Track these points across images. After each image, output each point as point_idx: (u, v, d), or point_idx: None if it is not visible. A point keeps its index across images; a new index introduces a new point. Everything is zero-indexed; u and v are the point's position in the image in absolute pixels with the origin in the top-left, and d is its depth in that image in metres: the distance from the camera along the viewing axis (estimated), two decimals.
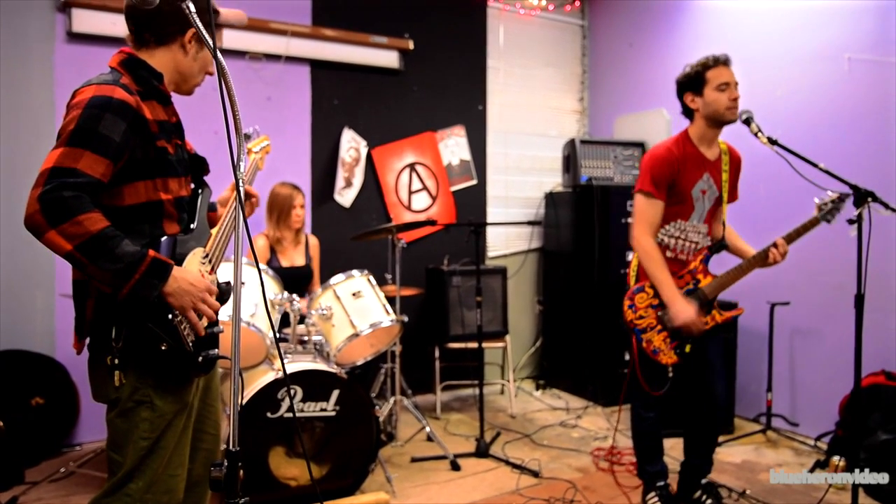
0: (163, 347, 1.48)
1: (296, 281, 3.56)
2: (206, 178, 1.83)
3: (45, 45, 3.49)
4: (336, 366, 2.92)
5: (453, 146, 4.83)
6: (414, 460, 3.41)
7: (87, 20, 3.53)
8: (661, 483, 2.81)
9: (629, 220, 4.41)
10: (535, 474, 3.22)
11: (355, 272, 3.16)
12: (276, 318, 2.96)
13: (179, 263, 1.54)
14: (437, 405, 4.29)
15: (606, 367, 4.42)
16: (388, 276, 4.06)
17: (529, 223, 5.05)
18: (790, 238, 2.53)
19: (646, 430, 2.80)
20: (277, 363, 2.84)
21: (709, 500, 2.79)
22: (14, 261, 3.40)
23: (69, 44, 3.54)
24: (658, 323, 2.63)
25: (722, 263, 2.69)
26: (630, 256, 4.38)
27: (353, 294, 3.07)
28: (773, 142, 2.48)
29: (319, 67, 4.26)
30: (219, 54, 1.30)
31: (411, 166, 4.64)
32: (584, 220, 4.54)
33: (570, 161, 4.66)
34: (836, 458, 3.14)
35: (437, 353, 4.31)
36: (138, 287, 1.42)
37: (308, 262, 3.69)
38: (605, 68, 5.33)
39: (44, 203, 1.34)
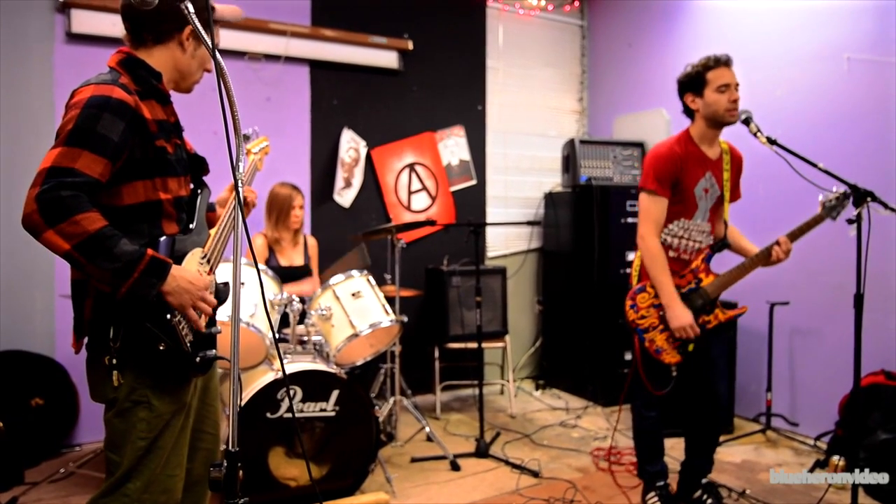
0: (161, 347, 1.48)
1: (295, 280, 3.56)
2: (206, 179, 1.83)
3: (44, 45, 3.49)
4: (336, 366, 2.92)
5: (453, 146, 4.83)
6: (414, 460, 3.41)
7: (86, 21, 3.54)
8: (661, 483, 2.81)
9: (629, 219, 4.41)
10: (535, 474, 3.22)
11: (355, 272, 3.16)
12: (276, 318, 2.96)
13: (178, 263, 1.53)
14: (436, 405, 4.29)
15: (606, 367, 4.42)
16: (388, 277, 4.06)
17: (529, 223, 5.05)
18: (794, 235, 2.53)
19: (647, 429, 2.79)
20: (277, 363, 2.84)
21: (709, 500, 2.78)
22: (14, 261, 3.40)
23: (68, 44, 3.54)
24: (660, 322, 2.63)
25: (724, 263, 2.69)
26: (630, 256, 4.42)
27: (353, 294, 3.07)
28: (772, 142, 2.48)
29: (319, 68, 4.27)
30: (217, 53, 1.30)
31: (411, 166, 4.64)
32: (583, 220, 4.54)
33: (570, 161, 4.66)
34: (835, 458, 3.14)
35: (436, 354, 4.31)
36: (137, 286, 1.42)
37: (307, 261, 3.69)
38: (604, 68, 5.33)
39: (41, 203, 1.34)
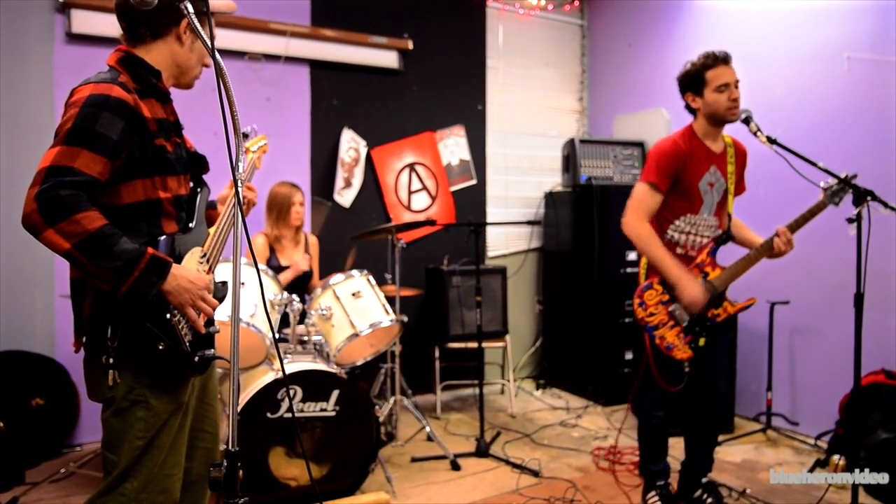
0: (160, 347, 1.48)
1: (295, 280, 3.56)
2: (206, 178, 1.83)
3: (44, 45, 3.49)
4: (336, 366, 2.92)
5: (453, 146, 4.83)
6: (414, 460, 3.41)
7: (86, 21, 3.54)
8: (662, 482, 2.81)
9: None
10: (536, 474, 3.22)
11: (355, 272, 3.16)
12: (276, 318, 2.96)
13: (178, 262, 1.53)
14: (437, 405, 4.29)
15: (606, 366, 4.42)
16: (388, 276, 4.06)
17: (529, 223, 5.05)
18: (796, 224, 2.51)
19: (654, 428, 2.78)
20: (277, 363, 2.84)
21: (709, 499, 2.78)
22: (14, 261, 3.40)
23: (68, 44, 3.54)
24: (670, 318, 2.63)
25: (730, 255, 2.68)
26: (631, 256, 4.42)
27: (353, 294, 3.07)
28: (772, 141, 2.48)
29: (319, 68, 4.27)
30: (214, 46, 1.29)
31: (411, 166, 4.64)
32: (583, 220, 4.54)
33: (570, 161, 4.66)
34: (836, 457, 3.14)
35: (437, 353, 4.31)
36: (137, 285, 1.41)
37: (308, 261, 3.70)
38: (604, 68, 5.33)
39: (41, 202, 1.34)
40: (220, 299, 1.67)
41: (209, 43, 1.29)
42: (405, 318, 3.21)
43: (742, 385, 4.00)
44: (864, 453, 2.91)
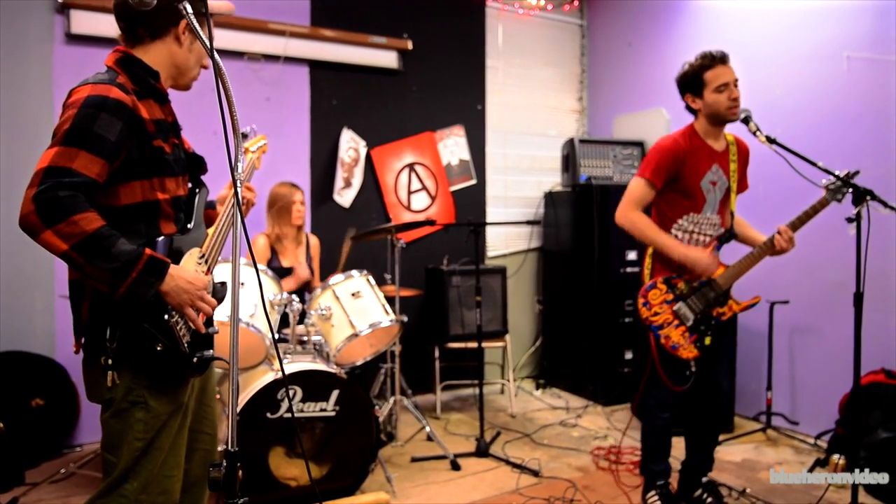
0: (158, 348, 1.48)
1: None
2: (205, 178, 1.83)
3: (43, 46, 3.50)
4: (336, 366, 2.92)
5: (452, 146, 4.83)
6: (414, 460, 3.41)
7: (85, 21, 3.54)
8: (662, 482, 2.81)
9: None
10: (536, 474, 3.22)
11: (354, 272, 3.15)
12: (276, 318, 2.96)
13: (176, 263, 1.53)
14: (437, 405, 4.29)
15: (606, 366, 4.42)
16: (388, 276, 4.06)
17: (529, 223, 5.05)
18: (799, 222, 2.51)
19: (659, 429, 2.77)
20: (277, 364, 2.83)
21: (709, 499, 2.78)
22: (14, 261, 3.40)
23: (68, 45, 3.54)
24: (674, 318, 2.63)
25: (732, 254, 2.68)
26: (630, 255, 4.42)
27: (353, 294, 3.07)
28: (771, 140, 2.48)
29: (318, 68, 4.27)
30: (215, 53, 1.29)
31: (410, 166, 4.64)
32: (583, 220, 4.54)
33: (570, 160, 4.66)
34: (836, 457, 3.13)
35: (436, 353, 4.31)
36: (135, 285, 1.41)
37: (308, 262, 3.70)
38: (603, 68, 5.33)
39: (39, 203, 1.34)
40: (220, 300, 1.66)
41: (208, 43, 1.29)
42: (405, 318, 3.21)
43: (742, 384, 4.00)
44: (864, 453, 2.91)
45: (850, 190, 2.37)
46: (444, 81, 4.74)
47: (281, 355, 2.91)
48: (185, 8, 1.34)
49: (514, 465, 3.32)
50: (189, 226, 1.67)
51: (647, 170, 2.61)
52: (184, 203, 1.68)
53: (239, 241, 1.34)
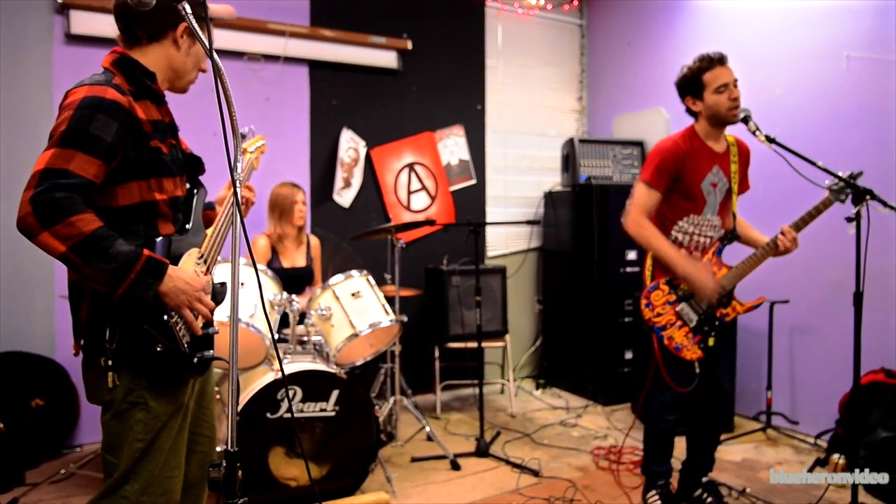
0: (158, 348, 1.48)
1: (297, 282, 3.56)
2: (204, 179, 1.83)
3: (43, 46, 3.50)
4: (335, 366, 2.92)
5: (452, 146, 4.83)
6: (414, 460, 3.41)
7: (85, 22, 3.54)
8: (662, 482, 2.80)
9: None
10: (536, 473, 3.22)
11: (354, 272, 3.15)
12: (276, 318, 2.96)
13: (174, 264, 1.53)
14: (437, 405, 4.29)
15: (606, 366, 4.42)
16: (388, 277, 4.06)
17: (528, 223, 5.05)
18: (802, 223, 2.50)
19: (663, 431, 2.76)
20: (277, 364, 2.83)
21: (709, 499, 2.78)
22: (14, 262, 3.40)
23: (68, 45, 3.54)
24: (677, 318, 2.62)
25: (736, 255, 2.68)
26: (630, 255, 4.42)
27: (353, 294, 3.06)
28: (771, 140, 2.48)
29: (318, 68, 4.27)
30: (214, 52, 1.29)
31: (410, 166, 4.64)
32: (583, 220, 4.54)
33: (569, 160, 4.66)
34: (836, 456, 3.13)
35: (436, 353, 4.31)
36: (134, 286, 1.41)
37: (309, 262, 3.70)
38: (603, 67, 5.33)
39: (36, 205, 1.34)
40: (219, 300, 1.66)
41: (208, 47, 1.29)
42: (405, 318, 3.21)
43: (742, 384, 4.00)
44: (864, 452, 2.91)
45: (850, 189, 2.37)
46: (443, 81, 4.74)
47: (281, 355, 2.91)
48: (184, 8, 1.34)
49: (514, 465, 3.32)
50: (187, 226, 1.67)
51: (648, 173, 2.61)
52: (182, 204, 1.68)
53: (239, 241, 1.34)
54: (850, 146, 3.50)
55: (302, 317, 3.09)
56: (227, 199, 1.72)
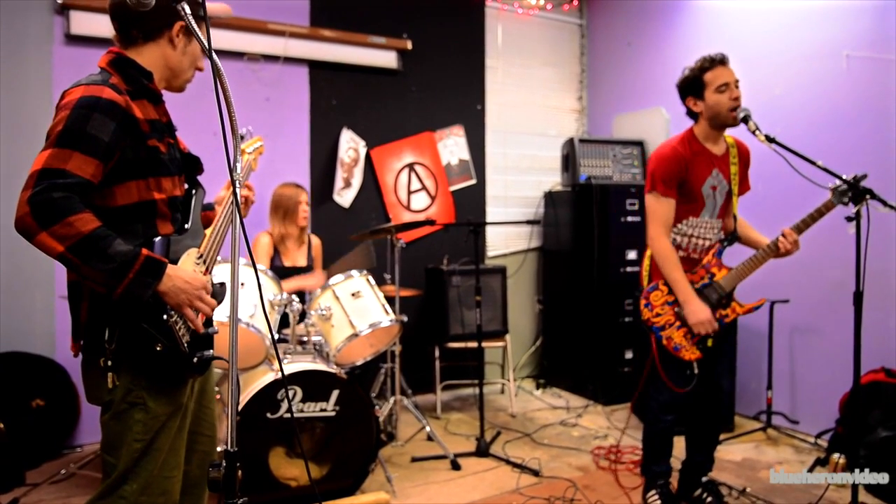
0: (158, 348, 1.48)
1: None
2: (203, 180, 1.82)
3: (43, 47, 3.50)
4: (335, 366, 2.92)
5: (452, 146, 4.83)
6: (414, 460, 3.41)
7: (85, 22, 3.54)
8: (662, 481, 2.81)
9: (628, 218, 4.41)
10: (536, 473, 3.22)
11: (354, 272, 3.15)
12: (276, 318, 2.96)
13: (174, 264, 1.52)
14: (437, 405, 4.29)
15: (606, 365, 4.42)
16: (388, 276, 4.06)
17: (528, 222, 5.05)
18: (804, 224, 2.50)
19: (661, 431, 2.77)
20: (277, 364, 2.83)
21: (709, 499, 2.78)
22: (14, 262, 3.40)
23: (67, 46, 3.54)
24: (676, 319, 2.63)
25: (737, 256, 2.68)
26: (630, 255, 4.42)
27: (353, 294, 3.07)
28: (770, 140, 2.47)
29: (318, 68, 4.27)
30: (211, 48, 1.29)
31: (410, 166, 4.64)
32: (583, 219, 4.54)
33: (569, 160, 4.66)
34: (836, 456, 3.13)
35: (437, 353, 4.31)
36: (133, 286, 1.41)
37: (310, 262, 3.70)
38: (603, 67, 5.33)
39: (34, 205, 1.34)
40: (219, 300, 1.66)
41: (207, 46, 1.29)
42: (405, 318, 3.21)
43: (742, 384, 3.99)
44: (864, 451, 2.91)
45: (851, 191, 2.37)
46: (443, 81, 4.75)
47: (281, 355, 2.91)
48: (183, 9, 1.34)
49: (515, 465, 3.32)
50: (186, 226, 1.67)
51: (656, 184, 2.60)
52: (181, 204, 1.68)
53: (238, 240, 1.34)
54: (849, 145, 3.50)
55: (302, 317, 3.09)
56: (227, 199, 1.71)
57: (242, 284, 2.77)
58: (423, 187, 4.70)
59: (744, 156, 2.75)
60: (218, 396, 2.85)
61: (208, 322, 1.64)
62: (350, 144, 4.37)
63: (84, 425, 3.54)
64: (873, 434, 2.96)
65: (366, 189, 4.46)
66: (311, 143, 4.29)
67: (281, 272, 3.42)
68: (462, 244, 4.35)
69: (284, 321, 3.12)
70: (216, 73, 1.28)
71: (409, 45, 4.52)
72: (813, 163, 2.40)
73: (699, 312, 2.54)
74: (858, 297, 2.35)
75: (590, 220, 4.46)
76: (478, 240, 3.68)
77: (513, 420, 4.17)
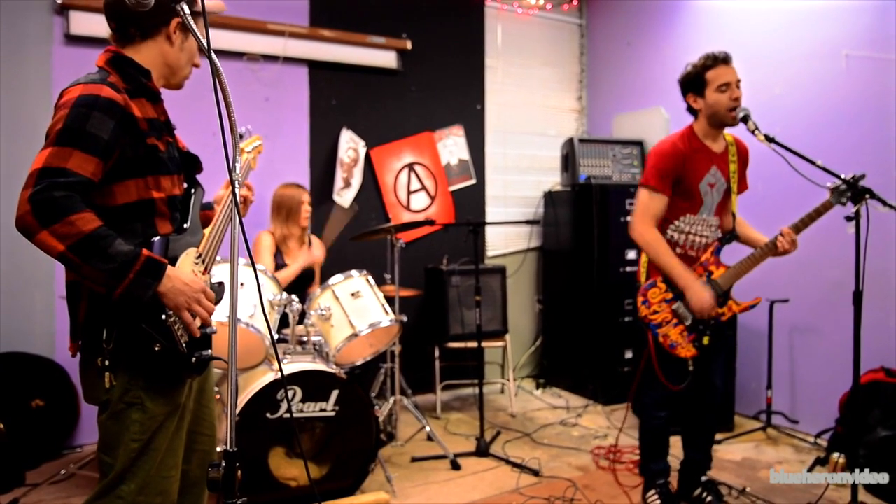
0: (156, 348, 1.47)
1: (298, 281, 3.56)
2: (202, 179, 1.82)
3: (42, 47, 3.50)
4: (335, 366, 2.92)
5: (452, 146, 4.83)
6: (414, 460, 3.41)
7: (84, 22, 3.54)
8: (662, 481, 2.81)
9: (628, 218, 4.40)
10: (536, 473, 3.22)
11: (354, 272, 3.16)
12: (276, 318, 2.96)
13: (172, 263, 1.52)
14: (437, 405, 4.29)
15: (606, 365, 4.42)
16: (387, 276, 4.06)
17: (528, 222, 5.05)
18: (802, 224, 2.50)
19: (656, 428, 2.78)
20: (276, 364, 2.83)
21: (709, 498, 2.78)
22: (14, 262, 3.40)
23: (67, 46, 3.54)
24: (673, 317, 2.63)
25: (735, 254, 2.68)
26: (630, 254, 4.42)
27: (352, 294, 3.07)
28: (770, 139, 2.48)
29: (317, 68, 4.27)
30: (210, 44, 1.29)
31: (410, 166, 4.64)
32: (582, 219, 4.54)
33: (569, 160, 4.66)
34: (835, 455, 3.13)
35: (436, 353, 4.31)
36: (132, 286, 1.41)
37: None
38: (603, 67, 5.33)
39: (34, 204, 1.33)
40: (218, 301, 1.66)
41: (205, 42, 1.29)
42: (404, 318, 3.21)
43: (742, 383, 3.99)
44: (864, 451, 2.91)
45: (850, 190, 2.37)
46: (443, 81, 4.74)
47: (280, 356, 2.91)
48: (182, 9, 1.34)
49: (515, 465, 3.32)
50: (185, 226, 1.67)
51: (651, 177, 2.60)
52: (180, 203, 1.68)
53: (238, 240, 1.34)
54: (849, 145, 3.50)
55: (301, 317, 3.09)
56: (226, 199, 1.71)
57: (242, 284, 2.77)
58: (423, 187, 4.70)
59: (743, 154, 2.75)
60: (218, 396, 2.85)
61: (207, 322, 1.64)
62: (350, 144, 4.37)
63: (84, 426, 3.54)
64: (873, 434, 2.96)
65: (365, 189, 4.46)
66: (311, 143, 4.29)
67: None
68: (462, 244, 4.35)
69: (284, 321, 3.12)
70: (215, 71, 1.28)
71: (409, 45, 4.52)
72: (812, 162, 2.40)
73: (701, 296, 2.54)
74: (858, 297, 2.35)
75: (589, 220, 4.46)
76: (477, 240, 3.68)
77: (513, 420, 4.17)
